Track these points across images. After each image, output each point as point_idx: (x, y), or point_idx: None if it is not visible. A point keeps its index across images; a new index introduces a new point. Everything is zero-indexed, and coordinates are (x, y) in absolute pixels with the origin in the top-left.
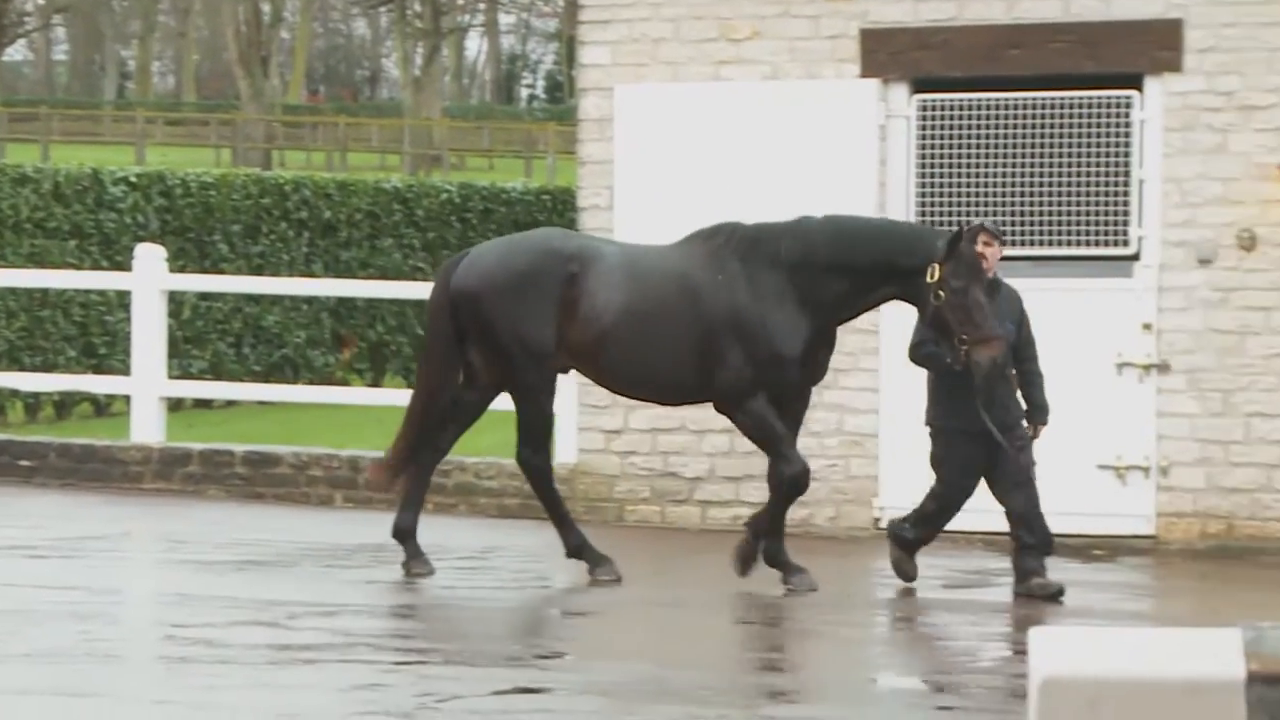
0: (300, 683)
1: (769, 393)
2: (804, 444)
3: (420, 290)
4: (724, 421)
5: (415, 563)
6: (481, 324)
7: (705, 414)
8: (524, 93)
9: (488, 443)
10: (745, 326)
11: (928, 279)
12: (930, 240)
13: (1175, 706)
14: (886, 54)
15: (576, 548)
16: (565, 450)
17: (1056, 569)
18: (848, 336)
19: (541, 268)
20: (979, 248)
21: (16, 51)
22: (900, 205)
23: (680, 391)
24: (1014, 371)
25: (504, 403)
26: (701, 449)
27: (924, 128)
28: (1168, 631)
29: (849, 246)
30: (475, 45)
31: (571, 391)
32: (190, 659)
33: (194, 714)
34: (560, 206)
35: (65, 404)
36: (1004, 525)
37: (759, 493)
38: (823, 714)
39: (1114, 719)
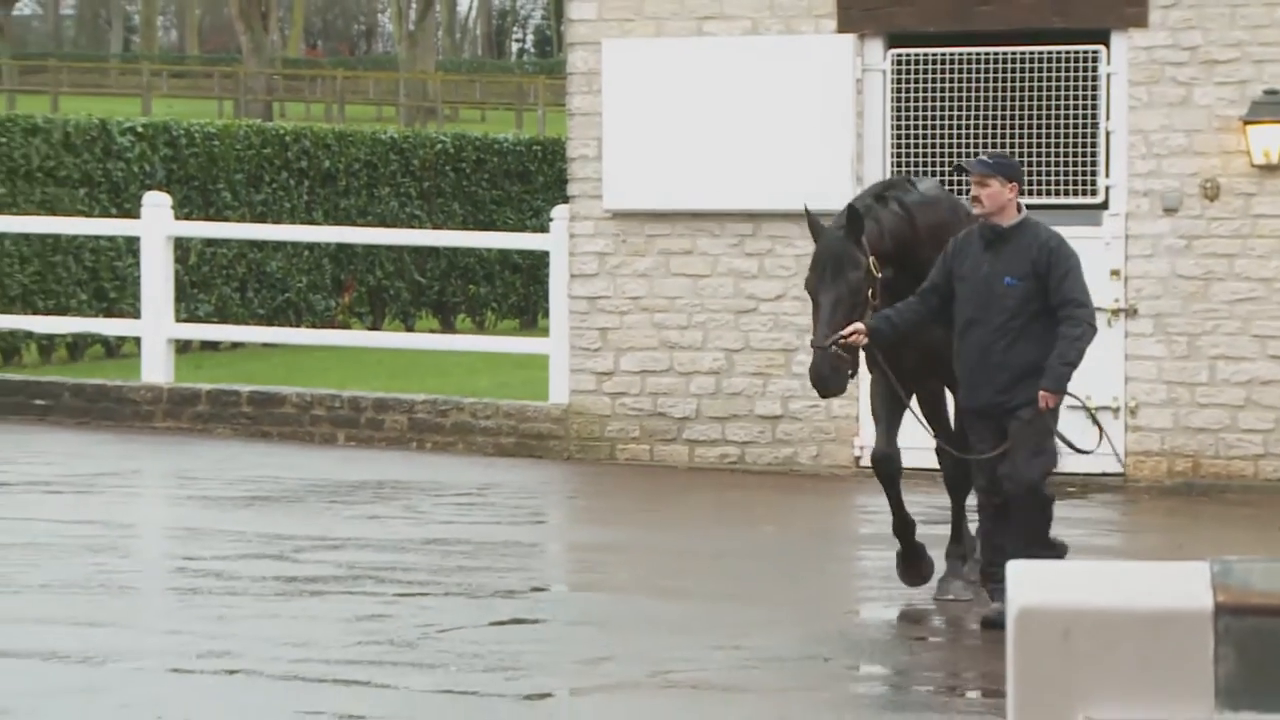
0: (307, 613)
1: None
2: (787, 385)
3: (416, 237)
4: (710, 364)
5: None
6: None
7: (694, 356)
8: (514, 47)
9: (485, 384)
10: None
11: None
12: None
13: (1146, 636)
14: (862, 10)
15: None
16: (558, 392)
17: None
18: None
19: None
20: (971, 191)
21: (26, 6)
22: (876, 156)
23: None
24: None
25: (493, 344)
26: (689, 390)
27: (899, 81)
28: (1139, 565)
29: None
30: (467, 1)
31: (563, 335)
32: (201, 590)
33: (205, 643)
34: (550, 157)
35: (78, 346)
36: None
37: (744, 432)
38: (803, 646)
39: (1087, 648)
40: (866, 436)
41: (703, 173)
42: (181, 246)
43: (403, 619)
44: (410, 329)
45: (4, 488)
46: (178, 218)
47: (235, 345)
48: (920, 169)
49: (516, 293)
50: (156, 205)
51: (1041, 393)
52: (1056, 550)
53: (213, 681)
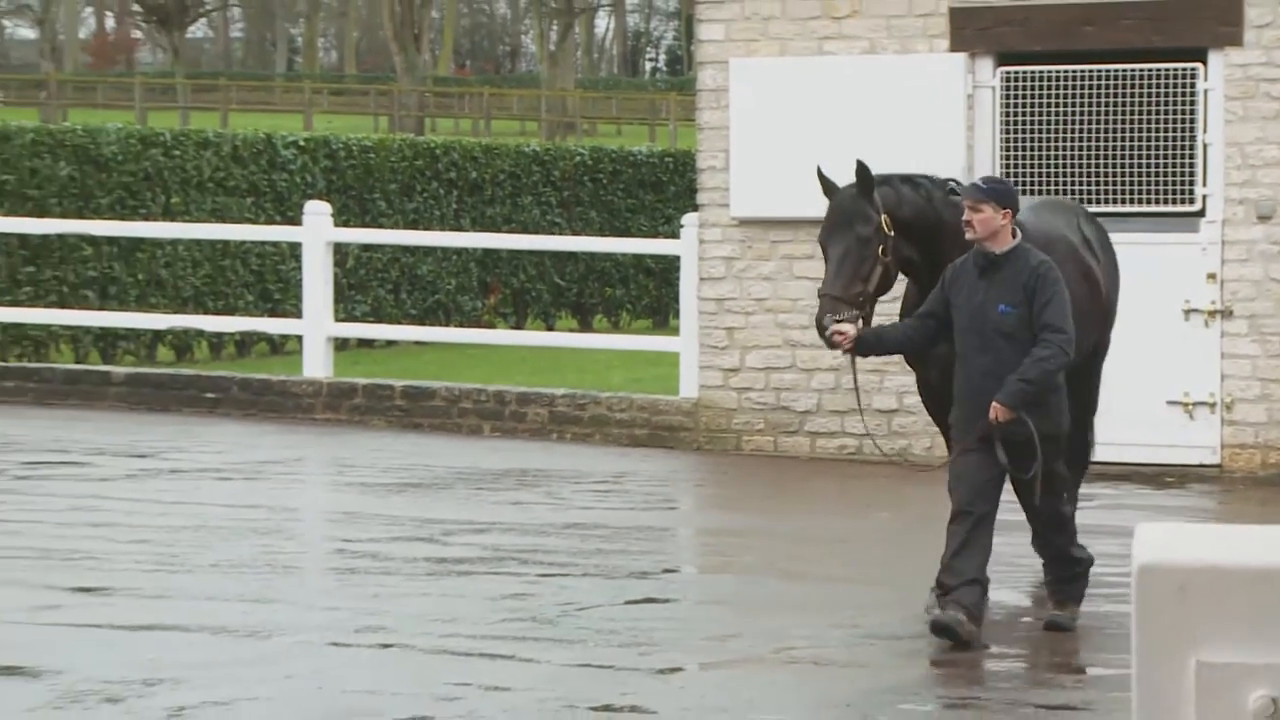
0: (456, 592)
1: None
2: (902, 381)
3: (557, 242)
4: (830, 361)
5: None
6: None
7: (815, 354)
8: (648, 66)
9: (620, 379)
10: None
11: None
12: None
13: (1253, 589)
14: (973, 30)
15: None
16: (688, 387)
17: (1131, 495)
18: None
19: None
20: (965, 215)
21: (198, 29)
22: (986, 167)
23: None
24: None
25: (627, 342)
26: (810, 385)
27: (1008, 97)
28: (1248, 527)
29: None
30: (604, 23)
31: (693, 334)
32: (358, 570)
33: (362, 619)
34: (681, 168)
35: (245, 343)
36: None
37: (862, 425)
38: (917, 625)
39: (1200, 600)
40: None
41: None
42: (340, 251)
43: (544, 598)
44: (551, 328)
45: (177, 474)
46: (336, 225)
47: (389, 343)
48: (1028, 179)
49: (649, 294)
50: (317, 213)
51: (993, 404)
52: (1084, 563)
53: (369, 654)
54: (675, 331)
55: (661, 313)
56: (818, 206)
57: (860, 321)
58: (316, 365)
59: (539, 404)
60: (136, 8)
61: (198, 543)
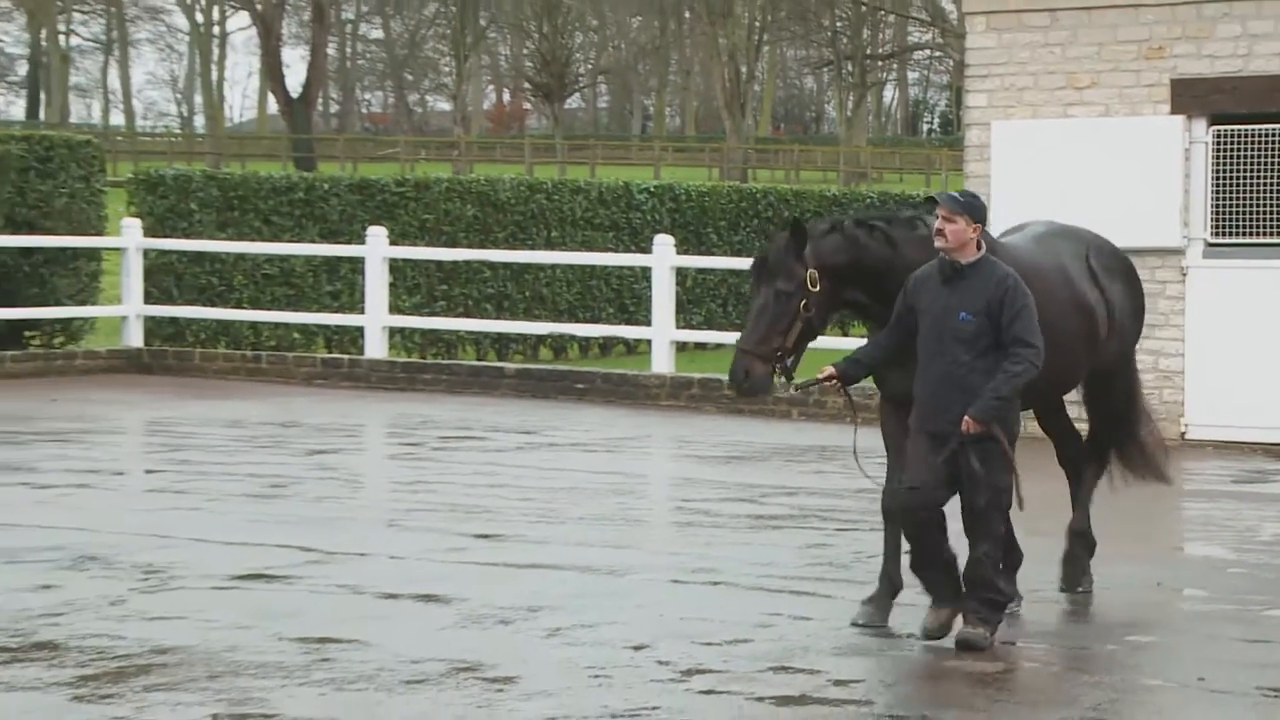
0: (770, 542)
1: None
2: None
3: None
4: None
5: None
6: None
7: None
8: (925, 127)
9: None
10: None
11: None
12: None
13: None
14: (1190, 97)
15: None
16: None
17: None
18: (1160, 301)
19: None
20: (937, 223)
21: (574, 101)
22: (1200, 209)
23: None
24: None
25: None
26: None
27: (1218, 151)
28: None
29: None
30: (890, 93)
31: None
32: (694, 524)
33: (696, 562)
34: None
35: (607, 346)
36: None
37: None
38: (1138, 571)
39: None
40: (1191, 415)
41: (1068, 220)
42: (681, 273)
43: (840, 547)
44: (845, 333)
45: (554, 447)
46: (678, 253)
47: (719, 345)
48: (1233, 218)
49: None
50: (663, 244)
51: (965, 418)
52: (1006, 595)
53: (701, 590)
54: None
55: None
56: None
57: (781, 371)
58: (662, 363)
59: (837, 392)
60: (526, 85)
61: (569, 500)
